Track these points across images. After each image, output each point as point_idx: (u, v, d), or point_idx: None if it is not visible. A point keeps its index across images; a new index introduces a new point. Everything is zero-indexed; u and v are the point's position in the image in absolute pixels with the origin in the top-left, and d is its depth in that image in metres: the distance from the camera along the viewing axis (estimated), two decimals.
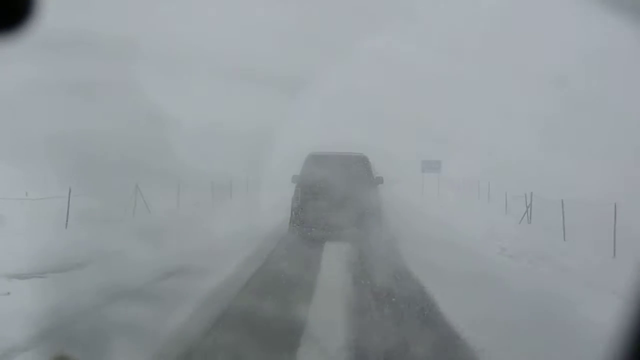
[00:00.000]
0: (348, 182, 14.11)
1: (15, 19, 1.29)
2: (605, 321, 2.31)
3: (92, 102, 18.00)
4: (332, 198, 13.66)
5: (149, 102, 17.35)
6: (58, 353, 1.53)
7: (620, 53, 18.47)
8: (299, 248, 12.03)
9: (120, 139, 16.99)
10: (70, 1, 16.67)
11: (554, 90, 21.32)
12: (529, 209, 16.45)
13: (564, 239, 12.97)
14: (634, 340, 1.26)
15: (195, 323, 5.86)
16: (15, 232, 9.85)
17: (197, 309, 6.39)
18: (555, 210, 13.96)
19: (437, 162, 27.26)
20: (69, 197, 12.89)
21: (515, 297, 7.27)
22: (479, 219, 16.08)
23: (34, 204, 12.69)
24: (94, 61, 18.42)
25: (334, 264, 9.99)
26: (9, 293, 6.83)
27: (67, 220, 12.63)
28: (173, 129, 17.40)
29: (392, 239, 12.90)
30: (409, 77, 27.35)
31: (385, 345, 5.40)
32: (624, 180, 14.02)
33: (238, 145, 18.97)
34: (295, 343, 5.21)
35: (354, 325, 6.02)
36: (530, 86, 23.75)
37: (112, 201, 14.73)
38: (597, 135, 20.19)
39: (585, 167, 17.29)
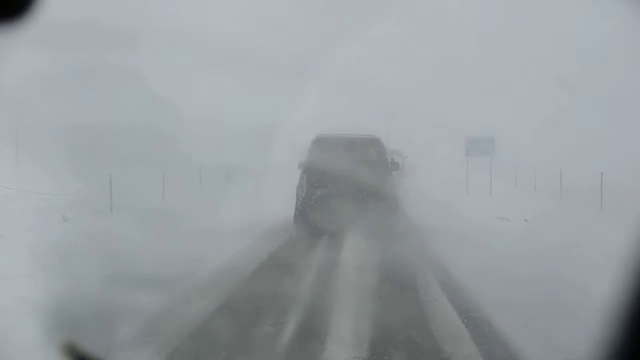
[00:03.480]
0: (359, 167, 12.68)
1: (16, 9, 1.30)
2: None
3: (96, 93, 17.15)
4: (342, 186, 12.33)
5: (152, 91, 16.39)
6: (66, 342, 1.53)
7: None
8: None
9: (124, 129, 16.00)
10: None
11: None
12: None
13: None
14: None
15: None
16: None
17: None
18: None
19: (488, 139, 19.09)
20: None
21: None
22: None
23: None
24: (98, 52, 17.58)
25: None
26: None
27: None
28: (178, 119, 16.30)
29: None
30: (421, 61, 25.31)
31: None
32: None
33: (246, 134, 17.69)
34: None
35: None
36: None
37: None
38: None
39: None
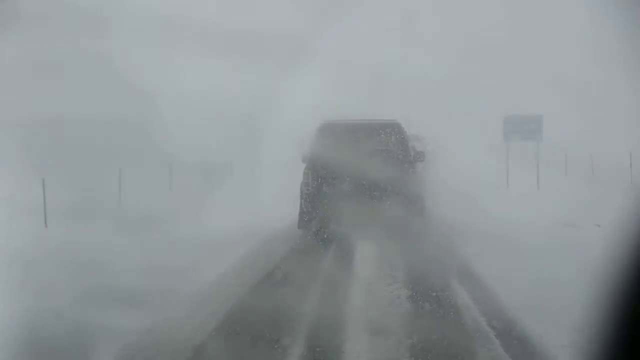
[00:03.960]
0: (376, 160, 10.51)
1: None
2: None
3: (67, 80, 15.09)
4: (355, 183, 10.33)
5: (131, 76, 14.28)
6: None
7: None
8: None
9: (100, 120, 13.95)
10: None
11: None
12: None
13: None
14: None
15: None
16: None
17: None
18: None
19: (533, 119, 15.57)
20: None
21: None
22: None
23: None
24: (69, 34, 15.52)
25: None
26: None
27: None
28: (160, 110, 14.28)
29: None
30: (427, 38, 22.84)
31: None
32: None
33: (242, 124, 15.54)
34: None
35: None
36: None
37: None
38: None
39: None
